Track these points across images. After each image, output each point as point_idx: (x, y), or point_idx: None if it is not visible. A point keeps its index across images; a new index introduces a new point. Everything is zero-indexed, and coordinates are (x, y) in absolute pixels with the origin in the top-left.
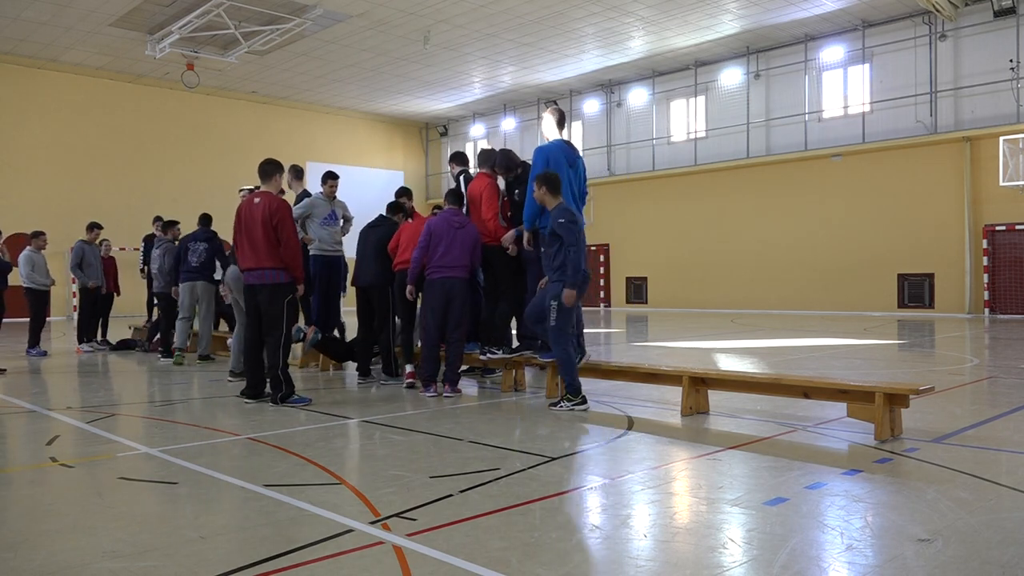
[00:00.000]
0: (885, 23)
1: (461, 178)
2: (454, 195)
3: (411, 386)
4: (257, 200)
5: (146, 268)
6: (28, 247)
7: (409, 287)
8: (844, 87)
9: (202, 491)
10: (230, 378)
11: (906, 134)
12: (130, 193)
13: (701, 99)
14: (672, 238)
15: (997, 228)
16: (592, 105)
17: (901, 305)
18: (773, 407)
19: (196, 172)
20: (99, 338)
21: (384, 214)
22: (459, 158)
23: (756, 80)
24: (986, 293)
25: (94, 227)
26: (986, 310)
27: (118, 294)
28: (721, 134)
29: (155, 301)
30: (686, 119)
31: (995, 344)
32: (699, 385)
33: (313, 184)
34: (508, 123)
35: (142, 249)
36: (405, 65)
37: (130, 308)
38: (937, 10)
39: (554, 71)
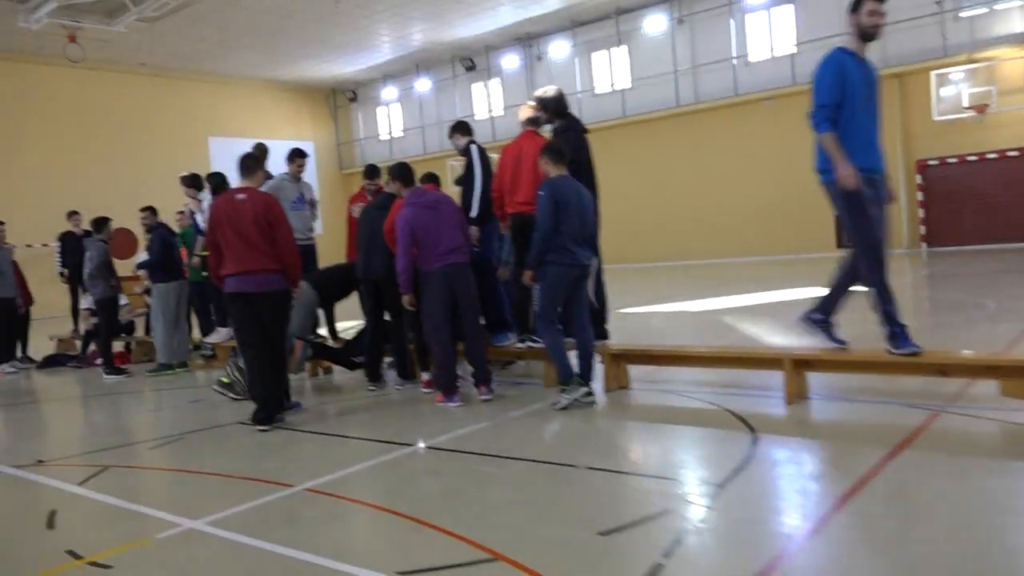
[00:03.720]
0: None
1: (473, 148)
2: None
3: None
4: (241, 197)
5: (66, 271)
6: None
7: (407, 297)
8: (769, 29)
9: None
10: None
11: None
12: (12, 185)
13: (624, 49)
14: (603, 193)
15: (929, 163)
16: (511, 61)
17: (840, 245)
18: (886, 385)
19: (86, 156)
20: (19, 355)
21: (387, 191)
22: (464, 128)
23: (680, 26)
24: (922, 227)
25: None
26: (923, 244)
27: (31, 303)
28: (648, 84)
29: (85, 309)
30: (610, 70)
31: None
32: (802, 368)
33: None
34: (422, 84)
35: (59, 248)
36: (308, 26)
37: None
38: None
39: (468, 26)
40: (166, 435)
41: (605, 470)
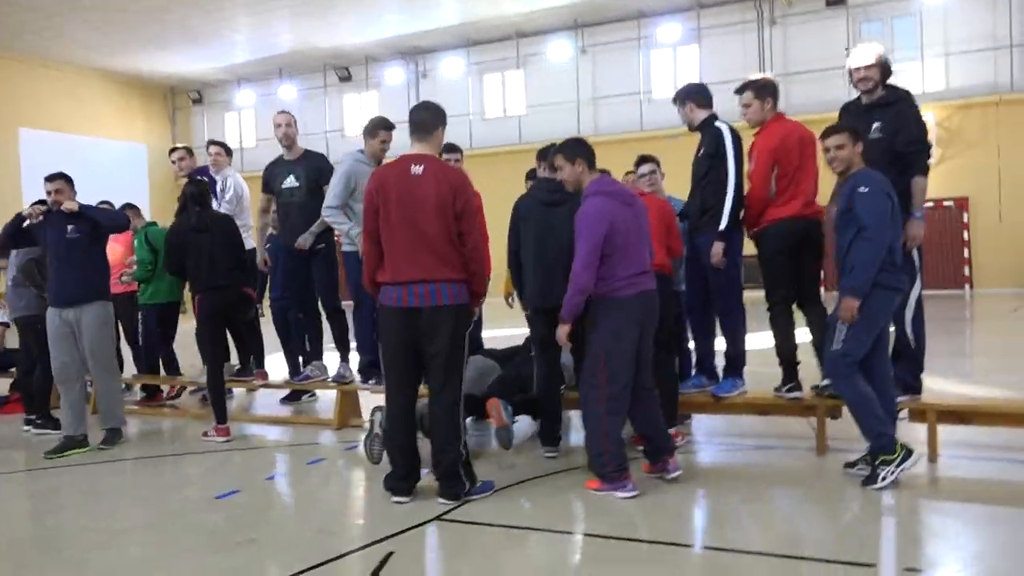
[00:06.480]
0: (717, 5)
1: (724, 128)
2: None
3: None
4: (419, 169)
5: None
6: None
7: (568, 327)
8: (674, 68)
9: None
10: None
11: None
12: None
13: (520, 72)
14: (496, 221)
15: None
16: (394, 75)
17: None
18: None
19: None
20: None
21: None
22: (703, 96)
23: (583, 55)
24: None
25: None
26: None
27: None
28: (547, 111)
29: None
30: (502, 94)
31: None
32: None
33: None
34: (287, 91)
35: None
36: (166, 7)
37: None
38: None
39: (346, 33)
40: (364, 542)
41: None
